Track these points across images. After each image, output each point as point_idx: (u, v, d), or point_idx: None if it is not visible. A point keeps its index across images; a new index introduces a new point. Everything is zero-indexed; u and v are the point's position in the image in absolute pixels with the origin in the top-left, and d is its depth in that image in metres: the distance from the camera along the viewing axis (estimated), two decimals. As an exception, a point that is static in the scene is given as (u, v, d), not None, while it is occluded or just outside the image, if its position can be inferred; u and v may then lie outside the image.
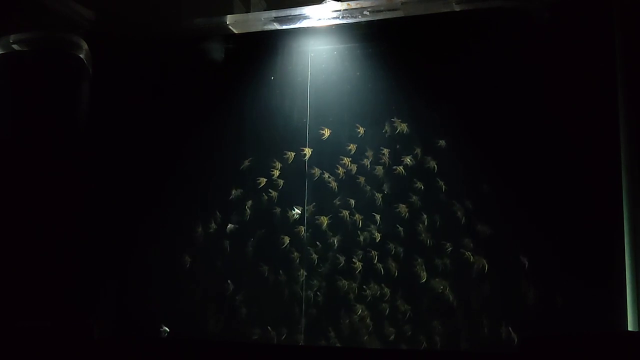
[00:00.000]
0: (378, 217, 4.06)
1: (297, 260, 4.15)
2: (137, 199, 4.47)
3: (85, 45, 4.54)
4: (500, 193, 3.86)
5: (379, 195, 4.08)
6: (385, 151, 4.11)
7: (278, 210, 4.24)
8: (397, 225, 4.01)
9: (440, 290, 3.87)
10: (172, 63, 4.58)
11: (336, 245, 4.10)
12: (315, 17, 4.26)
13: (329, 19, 4.24)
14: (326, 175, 4.19)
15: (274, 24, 4.34)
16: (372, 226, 4.06)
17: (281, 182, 4.26)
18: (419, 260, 3.95)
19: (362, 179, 4.13)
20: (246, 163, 4.35)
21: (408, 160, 4.07)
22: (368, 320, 3.97)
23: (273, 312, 4.15)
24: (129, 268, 4.41)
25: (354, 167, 4.15)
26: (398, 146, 4.11)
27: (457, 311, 3.83)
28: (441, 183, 3.98)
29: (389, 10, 4.09)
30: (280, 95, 4.39)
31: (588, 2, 3.82)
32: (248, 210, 4.30)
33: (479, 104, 3.93)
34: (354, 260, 4.05)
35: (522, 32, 3.85)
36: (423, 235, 3.97)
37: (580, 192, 3.66)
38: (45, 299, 4.17)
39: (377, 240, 4.04)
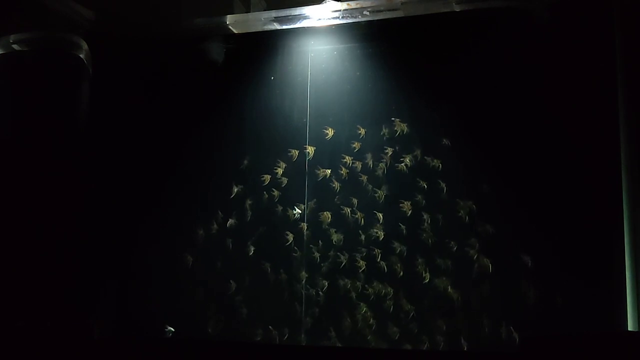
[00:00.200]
0: (378, 216, 4.05)
1: (298, 259, 4.15)
2: (137, 199, 4.47)
3: (85, 45, 4.54)
4: (500, 193, 3.86)
5: (380, 194, 4.08)
6: (385, 151, 4.11)
7: (279, 208, 4.24)
8: (394, 226, 4.02)
9: (441, 289, 3.87)
10: (172, 63, 4.58)
11: (336, 242, 4.10)
12: (315, 17, 4.26)
13: (329, 19, 4.24)
14: (327, 172, 4.19)
15: (274, 24, 4.34)
16: (372, 225, 4.06)
17: (285, 179, 4.25)
18: (420, 259, 3.95)
19: (364, 178, 4.13)
20: (246, 162, 4.35)
21: (408, 160, 4.07)
22: (369, 319, 3.97)
23: (274, 312, 4.15)
24: (129, 268, 4.41)
25: (358, 165, 4.15)
26: (398, 146, 4.11)
27: (457, 311, 3.83)
28: (441, 183, 3.98)
29: (389, 10, 4.09)
30: (280, 95, 4.39)
31: (588, 2, 3.82)
32: (248, 210, 4.30)
33: (479, 104, 3.93)
34: (355, 258, 4.04)
35: (522, 32, 3.85)
36: (424, 235, 3.97)
37: (580, 192, 3.66)
38: (45, 299, 4.17)
39: (378, 239, 4.04)
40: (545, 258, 3.69)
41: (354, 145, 4.17)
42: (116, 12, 4.50)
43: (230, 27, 4.42)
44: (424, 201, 4.00)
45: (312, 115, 4.30)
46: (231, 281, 4.24)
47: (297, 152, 4.25)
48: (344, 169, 4.17)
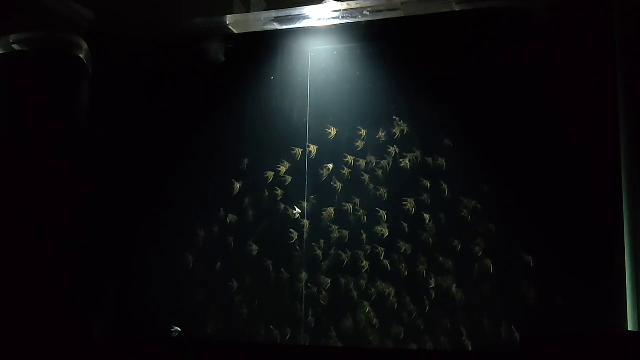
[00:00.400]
0: (377, 215, 4.06)
1: (299, 258, 4.15)
2: (137, 199, 4.47)
3: (85, 45, 4.54)
4: (500, 193, 3.86)
5: (382, 191, 4.08)
6: (387, 151, 4.11)
7: (281, 207, 4.24)
8: (393, 226, 4.02)
9: (442, 289, 3.87)
10: (172, 63, 4.58)
11: (336, 241, 4.10)
12: (315, 17, 4.26)
13: (329, 19, 4.24)
14: (329, 166, 4.19)
15: (274, 24, 4.34)
16: (371, 225, 4.07)
17: (289, 178, 4.25)
18: (421, 259, 3.95)
19: (366, 177, 4.13)
20: (246, 162, 4.35)
21: (408, 160, 4.07)
22: (371, 318, 3.97)
23: (274, 311, 4.15)
24: (129, 268, 4.41)
25: (361, 163, 4.15)
26: (398, 146, 4.11)
27: (458, 310, 3.83)
28: (441, 183, 3.98)
29: (389, 10, 4.09)
30: (280, 95, 4.39)
31: (588, 2, 3.82)
32: (248, 210, 4.30)
33: (479, 104, 3.93)
34: (357, 257, 4.05)
35: (522, 32, 3.85)
36: (424, 235, 3.97)
37: (581, 192, 3.66)
38: (45, 299, 4.16)
39: (378, 239, 4.04)
40: (546, 258, 3.69)
41: (356, 145, 4.17)
42: (116, 12, 4.50)
43: (230, 27, 4.42)
44: (423, 201, 3.99)
45: (312, 115, 4.30)
46: (232, 280, 4.24)
47: (300, 151, 4.25)
48: (345, 168, 4.17)
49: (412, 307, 3.92)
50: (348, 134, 4.21)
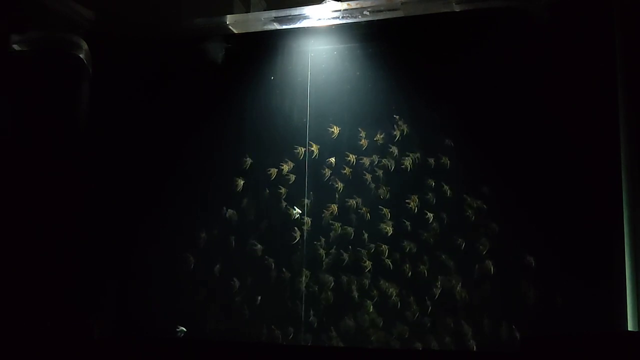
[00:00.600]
0: (376, 215, 4.06)
1: (300, 257, 4.15)
2: (137, 199, 4.47)
3: (85, 45, 4.54)
4: (500, 193, 3.86)
5: (383, 190, 4.08)
6: (385, 151, 4.11)
7: (281, 206, 4.24)
8: (393, 225, 4.02)
9: (443, 289, 3.87)
10: (172, 63, 4.58)
11: (336, 240, 4.10)
12: (315, 17, 4.26)
13: (329, 19, 4.24)
14: (327, 171, 4.19)
15: (274, 24, 4.34)
16: (371, 224, 4.07)
17: (292, 176, 4.25)
18: (421, 259, 3.95)
19: (368, 176, 4.13)
20: (246, 162, 4.35)
21: (408, 160, 4.07)
22: (374, 318, 3.97)
23: (275, 311, 4.15)
24: (129, 268, 4.41)
25: (366, 161, 4.15)
26: (398, 146, 4.11)
27: (458, 310, 3.83)
28: (441, 183, 3.98)
29: (389, 10, 4.09)
30: (280, 95, 4.39)
31: (588, 2, 3.82)
32: (249, 209, 4.31)
33: (479, 104, 3.93)
34: (358, 256, 4.05)
35: (522, 32, 3.85)
36: (425, 235, 3.97)
37: (581, 192, 3.66)
38: (45, 299, 4.17)
39: (379, 238, 4.04)
40: (546, 258, 3.69)
41: (355, 145, 4.17)
42: (116, 12, 4.50)
43: (230, 27, 4.42)
44: (423, 201, 3.99)
45: (312, 115, 4.30)
46: (234, 279, 4.23)
47: (302, 150, 4.25)
48: (346, 167, 4.17)
49: (414, 306, 3.92)
50: (348, 134, 4.21)
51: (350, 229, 4.10)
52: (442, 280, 3.89)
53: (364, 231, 4.08)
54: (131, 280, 4.41)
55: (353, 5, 4.15)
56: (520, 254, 3.73)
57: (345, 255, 4.08)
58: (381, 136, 4.14)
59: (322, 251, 4.12)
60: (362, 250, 4.06)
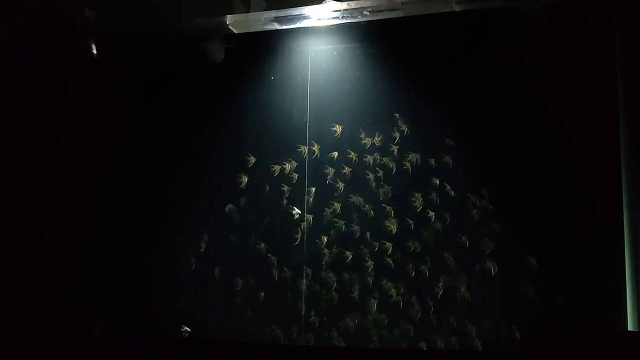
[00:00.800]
0: (376, 215, 4.06)
1: (300, 256, 4.15)
2: (137, 199, 4.47)
3: (85, 45, 4.54)
4: (500, 193, 3.86)
5: (386, 189, 4.08)
6: (386, 151, 4.11)
7: (282, 206, 4.24)
8: (391, 226, 4.02)
9: (443, 289, 3.87)
10: (172, 63, 4.58)
11: (336, 239, 4.11)
12: (315, 17, 4.26)
13: (329, 19, 4.24)
14: (328, 170, 4.19)
15: (274, 24, 4.34)
16: (372, 223, 4.07)
17: (295, 175, 4.25)
18: (421, 258, 3.95)
19: (371, 176, 4.13)
20: (245, 162, 4.35)
21: (408, 160, 4.07)
22: (377, 318, 3.98)
23: (276, 311, 4.15)
24: (129, 268, 4.41)
25: (369, 159, 4.15)
26: (398, 146, 4.11)
27: (458, 310, 3.83)
28: (441, 183, 3.98)
29: (389, 10, 4.09)
30: (280, 95, 4.39)
31: (588, 2, 3.82)
32: (249, 209, 4.31)
33: (479, 104, 3.93)
34: (358, 255, 4.05)
35: (522, 32, 3.85)
36: (425, 235, 3.97)
37: (581, 192, 3.66)
38: (45, 299, 4.16)
39: (378, 238, 4.04)
40: (546, 258, 3.69)
41: (355, 144, 4.17)
42: (116, 12, 4.50)
43: (230, 27, 4.42)
44: (424, 200, 4.00)
45: (312, 115, 4.30)
46: (235, 279, 4.23)
47: (305, 149, 4.25)
48: (346, 167, 4.18)
49: (417, 306, 3.92)
50: (348, 134, 4.21)
51: (356, 227, 4.10)
52: (444, 280, 3.89)
53: (366, 230, 4.08)
54: (131, 280, 4.41)
55: (353, 5, 4.15)
56: (520, 253, 3.73)
57: (348, 254, 4.08)
58: (381, 136, 4.14)
59: (324, 250, 4.12)
60: (365, 249, 4.06)
